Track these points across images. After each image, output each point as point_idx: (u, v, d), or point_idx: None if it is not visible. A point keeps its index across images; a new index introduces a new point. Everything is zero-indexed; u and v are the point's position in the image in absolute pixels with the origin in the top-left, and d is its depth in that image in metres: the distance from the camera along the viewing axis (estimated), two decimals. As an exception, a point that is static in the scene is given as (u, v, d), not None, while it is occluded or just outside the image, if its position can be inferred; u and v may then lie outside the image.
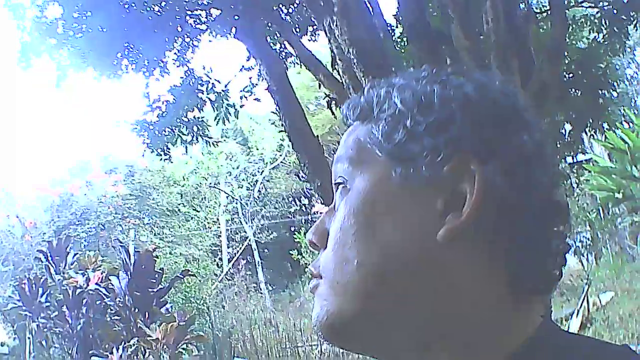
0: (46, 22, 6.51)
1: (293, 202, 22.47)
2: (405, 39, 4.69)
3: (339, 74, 4.22)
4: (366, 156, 0.70)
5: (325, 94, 4.60)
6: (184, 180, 19.71)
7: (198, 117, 7.24)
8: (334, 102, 4.44)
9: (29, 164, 26.56)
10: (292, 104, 4.10)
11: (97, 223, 14.61)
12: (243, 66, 6.86)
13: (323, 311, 0.70)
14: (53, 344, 8.90)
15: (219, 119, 6.96)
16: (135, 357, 8.47)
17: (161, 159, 7.47)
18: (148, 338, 8.05)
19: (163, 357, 8.34)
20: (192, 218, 19.15)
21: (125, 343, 8.05)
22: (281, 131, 4.34)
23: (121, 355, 7.98)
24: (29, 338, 10.74)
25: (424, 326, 0.66)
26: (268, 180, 21.69)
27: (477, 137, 0.66)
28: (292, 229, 20.56)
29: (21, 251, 14.65)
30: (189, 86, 6.87)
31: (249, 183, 20.93)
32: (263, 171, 21.14)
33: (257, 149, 20.69)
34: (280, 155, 20.85)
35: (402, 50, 4.77)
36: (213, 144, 7.82)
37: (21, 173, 26.82)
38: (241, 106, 7.02)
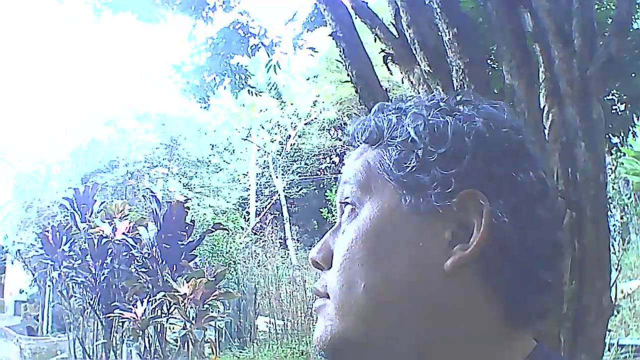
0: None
1: (324, 159, 22.11)
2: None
3: (402, 27, 3.79)
4: (376, 182, 0.72)
5: (381, 49, 4.19)
6: (215, 131, 19.40)
7: (242, 65, 7.01)
8: (390, 58, 4.02)
9: (59, 107, 26.18)
10: (360, 53, 3.68)
11: (126, 171, 14.25)
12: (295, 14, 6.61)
13: (327, 331, 0.72)
14: (74, 294, 8.68)
15: (269, 67, 6.72)
16: (159, 310, 8.23)
17: (201, 107, 7.25)
18: (175, 293, 7.76)
19: (189, 312, 8.07)
20: (221, 170, 18.83)
21: (150, 296, 7.78)
22: (346, 81, 3.92)
23: (146, 309, 7.72)
24: (49, 286, 10.54)
25: (423, 351, 0.69)
26: (300, 136, 21.31)
27: (487, 172, 0.68)
28: (322, 186, 20.23)
29: (46, 198, 14.32)
30: (235, 31, 6.61)
31: (281, 137, 20.58)
32: (296, 126, 20.72)
33: (292, 104, 20.23)
34: (315, 112, 20.39)
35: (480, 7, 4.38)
36: (256, 93, 7.47)
37: (50, 117, 26.46)
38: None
